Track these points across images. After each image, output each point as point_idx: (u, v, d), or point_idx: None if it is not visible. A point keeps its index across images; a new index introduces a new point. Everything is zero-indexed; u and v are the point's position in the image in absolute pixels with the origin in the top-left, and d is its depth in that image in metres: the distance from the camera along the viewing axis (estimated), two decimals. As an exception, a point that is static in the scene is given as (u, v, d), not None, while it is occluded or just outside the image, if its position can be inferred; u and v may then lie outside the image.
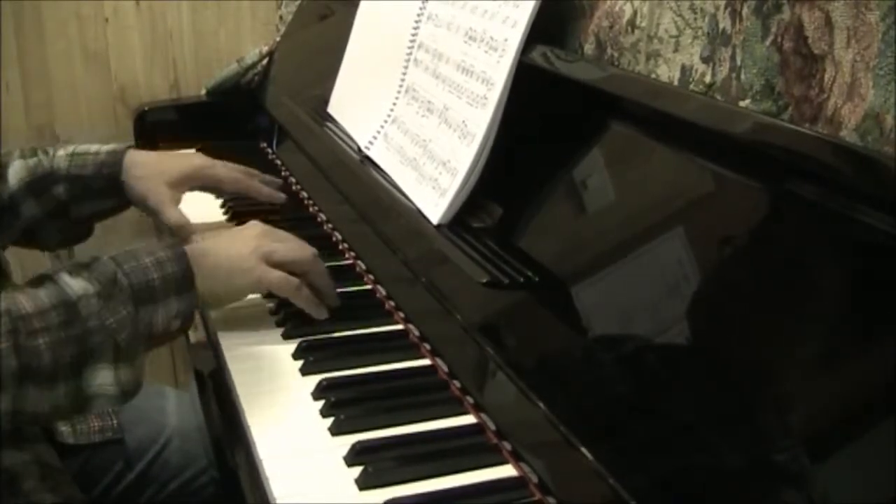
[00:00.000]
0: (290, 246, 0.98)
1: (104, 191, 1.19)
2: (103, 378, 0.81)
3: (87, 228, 1.26)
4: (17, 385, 0.76)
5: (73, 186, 1.18)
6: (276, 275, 0.96)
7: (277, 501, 0.73)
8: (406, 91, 1.19)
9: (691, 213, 0.77)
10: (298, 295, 0.96)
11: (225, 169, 1.25)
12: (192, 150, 1.25)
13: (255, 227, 1.00)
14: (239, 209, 1.32)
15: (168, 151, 1.26)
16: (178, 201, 1.20)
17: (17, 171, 1.17)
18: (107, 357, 0.81)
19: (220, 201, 1.37)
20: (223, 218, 1.33)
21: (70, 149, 1.20)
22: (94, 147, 1.21)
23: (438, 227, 1.02)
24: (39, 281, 0.82)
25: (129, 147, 1.22)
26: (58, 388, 0.79)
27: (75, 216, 1.20)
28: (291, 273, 0.96)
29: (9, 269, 1.04)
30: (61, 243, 1.28)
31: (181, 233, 1.16)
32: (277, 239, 0.99)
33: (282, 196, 1.28)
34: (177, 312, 0.88)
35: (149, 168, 1.20)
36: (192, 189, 1.24)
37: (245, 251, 0.95)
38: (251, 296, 1.00)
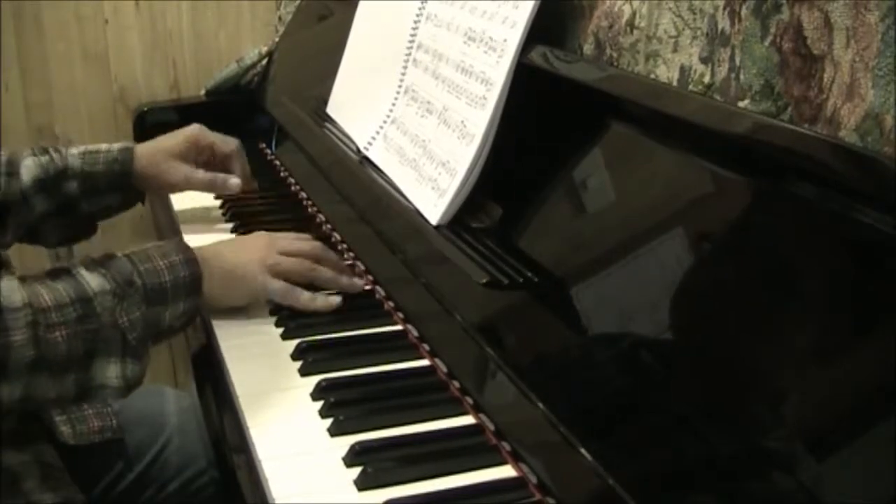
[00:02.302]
0: (293, 260, 1.02)
1: (114, 187, 1.24)
2: (111, 371, 0.85)
3: (91, 226, 1.29)
4: (30, 374, 0.80)
5: (85, 183, 1.22)
6: (278, 286, 1.00)
7: (277, 502, 0.73)
8: (405, 91, 1.19)
9: (691, 213, 0.77)
10: (298, 302, 1.00)
11: (217, 135, 1.31)
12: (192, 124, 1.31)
13: (261, 236, 1.05)
14: (238, 209, 1.33)
15: (166, 134, 1.31)
16: (194, 167, 1.27)
17: (29, 168, 1.20)
18: (116, 352, 0.85)
19: (218, 202, 1.38)
20: (222, 219, 1.34)
21: (81, 148, 1.24)
22: (104, 146, 1.25)
23: (438, 227, 1.02)
24: (57, 274, 0.86)
25: (136, 144, 1.27)
26: (67, 379, 0.83)
27: (84, 213, 1.24)
28: (295, 282, 1.01)
29: (11, 266, 1.04)
30: (63, 240, 1.30)
31: (216, 187, 1.25)
32: (282, 249, 1.02)
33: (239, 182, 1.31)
34: (181, 313, 0.92)
35: (152, 154, 1.25)
36: (196, 156, 1.29)
37: (252, 261, 1.00)
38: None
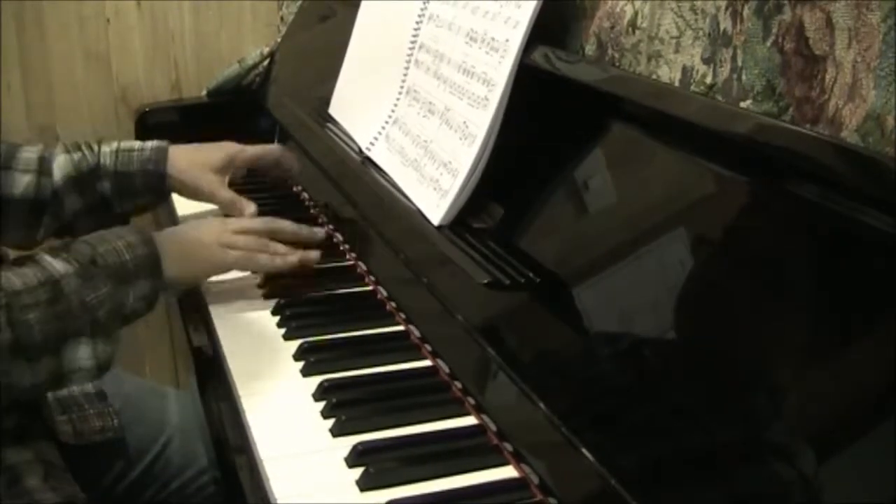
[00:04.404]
0: (247, 238, 1.06)
1: (147, 187, 1.23)
2: (81, 352, 0.87)
3: (125, 223, 1.26)
4: (9, 358, 0.81)
5: (118, 183, 1.21)
6: (234, 255, 1.04)
7: (278, 502, 0.73)
8: (407, 92, 1.19)
9: (692, 214, 0.77)
10: (258, 265, 1.06)
11: (255, 147, 1.32)
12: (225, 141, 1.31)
13: (213, 220, 1.11)
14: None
15: (202, 143, 1.30)
16: (225, 184, 1.27)
17: (61, 166, 1.19)
18: (85, 332, 0.87)
19: None
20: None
21: (114, 145, 1.23)
22: (137, 143, 1.24)
23: (440, 228, 1.02)
24: (22, 262, 0.87)
25: (169, 143, 1.26)
26: (41, 363, 0.84)
27: (116, 211, 1.24)
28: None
29: (8, 259, 1.04)
30: None
31: (235, 209, 1.23)
32: (235, 228, 1.06)
33: (295, 168, 1.36)
34: (144, 294, 0.94)
35: (191, 160, 1.24)
36: (233, 172, 1.30)
37: (208, 239, 1.03)
38: (252, 296, 1.02)
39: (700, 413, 0.67)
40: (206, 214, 1.35)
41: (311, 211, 1.32)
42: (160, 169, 1.22)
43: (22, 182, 1.17)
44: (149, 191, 1.24)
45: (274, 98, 1.70)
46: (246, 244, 1.05)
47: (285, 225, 1.10)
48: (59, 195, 1.19)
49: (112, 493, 1.11)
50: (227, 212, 1.25)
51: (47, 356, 0.84)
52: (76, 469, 1.00)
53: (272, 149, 1.34)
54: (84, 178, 1.20)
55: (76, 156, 1.20)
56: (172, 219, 1.36)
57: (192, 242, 1.03)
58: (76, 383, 0.96)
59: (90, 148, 1.22)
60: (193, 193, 1.27)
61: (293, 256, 1.06)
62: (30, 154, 1.19)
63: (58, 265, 0.87)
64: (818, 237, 0.66)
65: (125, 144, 1.23)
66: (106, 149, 1.22)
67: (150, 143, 1.24)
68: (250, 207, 1.23)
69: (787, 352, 0.64)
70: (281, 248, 1.07)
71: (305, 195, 1.38)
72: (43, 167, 1.19)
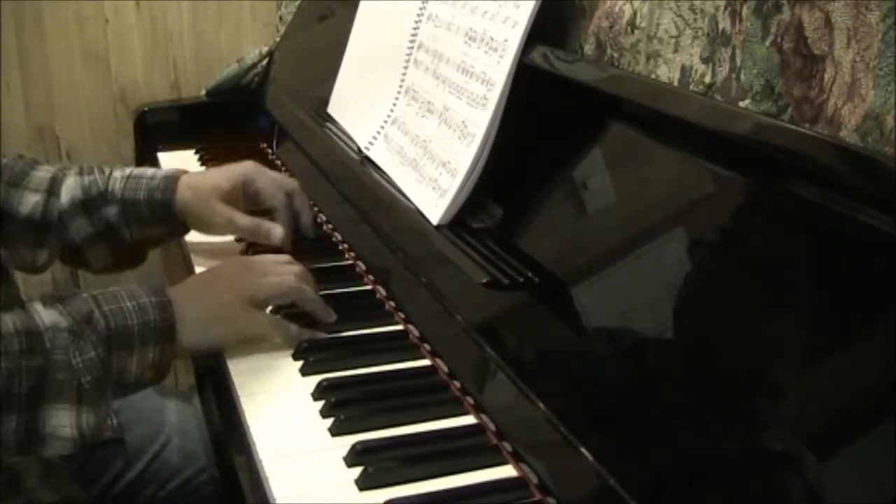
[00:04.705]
0: (272, 281, 0.95)
1: (155, 217, 1.14)
2: (61, 419, 0.78)
3: (139, 254, 1.21)
4: None
5: (124, 210, 1.13)
6: (265, 319, 0.94)
7: (277, 501, 0.73)
8: (406, 91, 1.19)
9: (691, 213, 0.77)
10: (289, 334, 0.94)
11: (267, 180, 1.19)
12: (246, 161, 1.20)
13: (232, 264, 0.98)
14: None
15: (216, 169, 1.21)
16: (238, 209, 1.15)
17: (70, 189, 1.13)
18: (68, 397, 0.78)
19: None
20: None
21: (127, 171, 1.16)
22: (149, 171, 1.17)
23: (438, 227, 1.02)
24: (9, 306, 0.80)
25: (184, 172, 1.17)
26: (8, 422, 0.76)
27: (128, 240, 1.16)
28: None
29: (12, 273, 1.04)
30: (112, 266, 1.20)
31: (259, 235, 1.13)
32: (258, 273, 0.95)
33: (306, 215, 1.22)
34: (151, 362, 0.86)
35: (197, 189, 1.14)
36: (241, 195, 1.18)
37: (228, 297, 0.92)
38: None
39: (699, 413, 0.67)
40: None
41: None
42: (167, 198, 1.13)
43: (30, 201, 1.12)
44: (157, 221, 1.15)
45: (273, 97, 1.70)
46: (272, 292, 0.94)
47: (310, 294, 0.98)
48: (64, 218, 1.13)
49: (110, 493, 1.11)
50: (249, 239, 1.16)
51: (16, 414, 0.76)
52: (75, 469, 1.00)
53: (276, 196, 1.18)
54: (91, 203, 1.13)
55: (87, 179, 1.14)
56: (181, 248, 1.28)
57: (213, 305, 0.92)
58: (52, 452, 0.82)
59: (102, 171, 1.16)
60: (206, 226, 1.16)
61: (320, 334, 0.96)
62: (44, 173, 1.14)
63: (47, 316, 0.79)
64: (817, 237, 0.66)
65: (137, 171, 1.16)
66: (117, 174, 1.15)
67: (161, 172, 1.17)
68: (276, 231, 1.12)
69: (786, 351, 0.64)
70: (311, 295, 0.97)
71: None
72: (53, 188, 1.14)
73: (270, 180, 1.18)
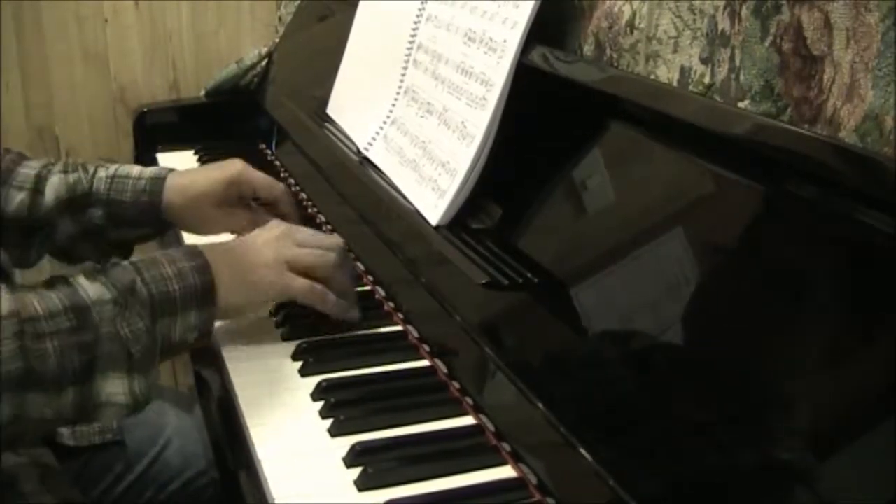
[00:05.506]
0: (314, 251, 0.95)
1: (141, 218, 1.13)
2: (115, 387, 0.79)
3: (126, 250, 1.18)
4: (20, 390, 0.73)
5: (109, 211, 1.12)
6: (301, 284, 0.93)
7: (277, 502, 0.73)
8: (405, 92, 1.19)
9: (691, 214, 0.77)
10: (325, 303, 0.94)
11: (259, 175, 1.16)
12: (233, 159, 1.17)
13: (275, 227, 0.97)
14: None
15: (201, 168, 1.20)
16: (232, 212, 1.14)
17: (55, 187, 1.10)
18: (120, 367, 0.79)
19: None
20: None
21: (112, 169, 1.13)
22: (135, 170, 1.14)
23: (438, 228, 1.02)
24: (53, 283, 0.80)
25: (171, 171, 1.14)
26: (65, 395, 0.77)
27: (114, 239, 1.15)
28: (315, 278, 0.93)
29: (10, 271, 1.04)
30: (98, 261, 1.18)
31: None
32: (300, 242, 0.95)
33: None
34: (194, 325, 0.86)
35: (188, 194, 1.12)
36: (237, 198, 1.15)
37: (268, 259, 0.92)
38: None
39: (698, 413, 0.67)
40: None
41: (308, 210, 1.32)
42: (154, 200, 1.11)
43: (16, 199, 1.09)
44: (145, 222, 1.13)
45: (272, 98, 1.70)
46: (313, 262, 0.93)
47: (344, 279, 0.98)
48: (50, 218, 1.10)
49: (110, 496, 1.11)
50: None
51: (71, 387, 0.76)
52: (74, 471, 1.00)
53: (276, 185, 1.17)
54: (76, 202, 1.11)
55: (72, 177, 1.11)
56: (178, 241, 1.28)
57: (252, 267, 0.91)
58: (108, 419, 0.87)
59: (86, 170, 1.12)
60: (197, 231, 1.15)
61: (354, 311, 0.97)
62: (28, 170, 1.11)
63: (92, 290, 0.79)
64: (816, 237, 0.66)
65: (122, 170, 1.13)
66: (102, 173, 1.12)
67: (148, 171, 1.14)
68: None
69: (786, 352, 0.64)
70: (344, 277, 0.97)
71: (304, 195, 1.38)
72: (38, 185, 1.11)
73: (262, 175, 1.16)
